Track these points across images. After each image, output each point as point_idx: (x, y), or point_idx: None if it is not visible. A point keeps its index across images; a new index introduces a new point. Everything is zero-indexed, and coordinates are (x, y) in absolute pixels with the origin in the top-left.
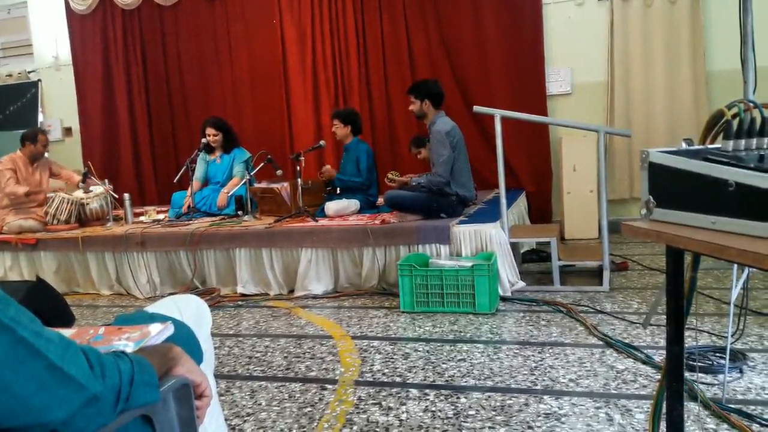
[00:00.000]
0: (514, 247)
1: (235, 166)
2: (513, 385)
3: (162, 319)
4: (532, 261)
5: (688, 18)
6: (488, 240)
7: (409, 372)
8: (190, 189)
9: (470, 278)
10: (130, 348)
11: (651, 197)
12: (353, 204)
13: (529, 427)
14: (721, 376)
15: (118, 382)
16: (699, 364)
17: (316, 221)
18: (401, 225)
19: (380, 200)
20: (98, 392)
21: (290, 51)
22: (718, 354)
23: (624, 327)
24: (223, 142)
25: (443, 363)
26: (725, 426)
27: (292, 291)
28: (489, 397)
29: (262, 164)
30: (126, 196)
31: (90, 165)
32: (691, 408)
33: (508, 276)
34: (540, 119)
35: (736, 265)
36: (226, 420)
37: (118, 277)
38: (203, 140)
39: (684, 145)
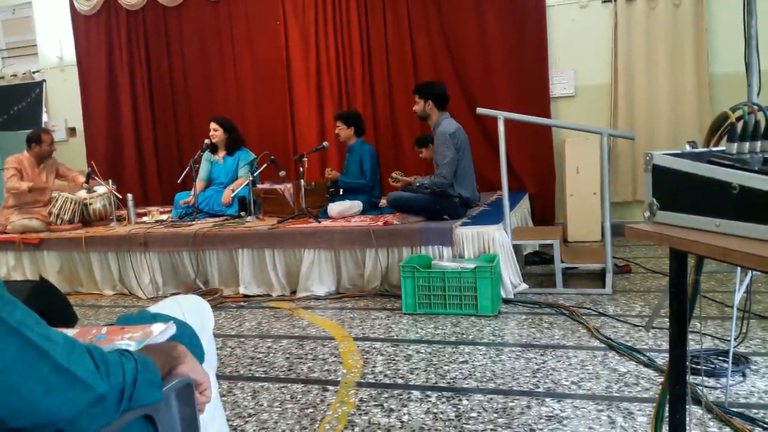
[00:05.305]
0: (517, 249)
1: (240, 167)
2: (515, 388)
3: (164, 319)
4: (535, 263)
5: (692, 20)
6: (491, 242)
7: (411, 374)
8: (193, 189)
9: (473, 280)
10: (132, 348)
11: (654, 200)
12: (356, 205)
13: (531, 430)
14: (723, 380)
15: (121, 381)
16: (702, 367)
17: (319, 222)
18: (404, 226)
19: (383, 202)
20: (104, 392)
21: (294, 52)
22: (720, 357)
23: (626, 330)
24: (226, 142)
25: (445, 365)
26: (728, 430)
27: (294, 292)
28: (491, 399)
29: (265, 165)
30: (129, 196)
31: (93, 165)
32: (693, 411)
33: (511, 278)
34: (543, 121)
35: (739, 269)
36: (227, 421)
37: (121, 277)
38: (206, 141)
39: (688, 148)
